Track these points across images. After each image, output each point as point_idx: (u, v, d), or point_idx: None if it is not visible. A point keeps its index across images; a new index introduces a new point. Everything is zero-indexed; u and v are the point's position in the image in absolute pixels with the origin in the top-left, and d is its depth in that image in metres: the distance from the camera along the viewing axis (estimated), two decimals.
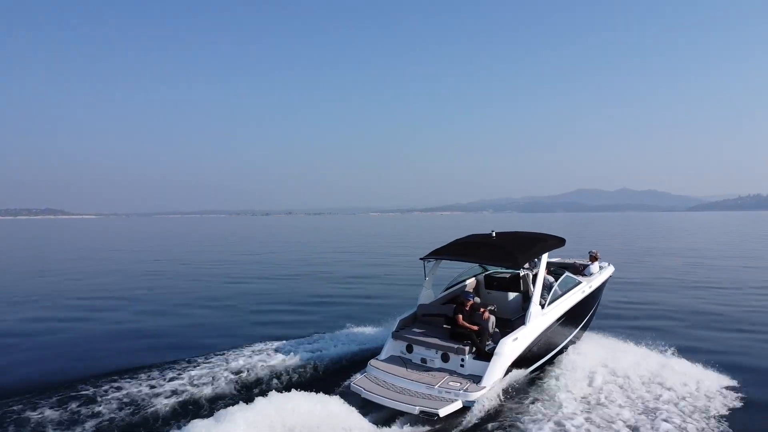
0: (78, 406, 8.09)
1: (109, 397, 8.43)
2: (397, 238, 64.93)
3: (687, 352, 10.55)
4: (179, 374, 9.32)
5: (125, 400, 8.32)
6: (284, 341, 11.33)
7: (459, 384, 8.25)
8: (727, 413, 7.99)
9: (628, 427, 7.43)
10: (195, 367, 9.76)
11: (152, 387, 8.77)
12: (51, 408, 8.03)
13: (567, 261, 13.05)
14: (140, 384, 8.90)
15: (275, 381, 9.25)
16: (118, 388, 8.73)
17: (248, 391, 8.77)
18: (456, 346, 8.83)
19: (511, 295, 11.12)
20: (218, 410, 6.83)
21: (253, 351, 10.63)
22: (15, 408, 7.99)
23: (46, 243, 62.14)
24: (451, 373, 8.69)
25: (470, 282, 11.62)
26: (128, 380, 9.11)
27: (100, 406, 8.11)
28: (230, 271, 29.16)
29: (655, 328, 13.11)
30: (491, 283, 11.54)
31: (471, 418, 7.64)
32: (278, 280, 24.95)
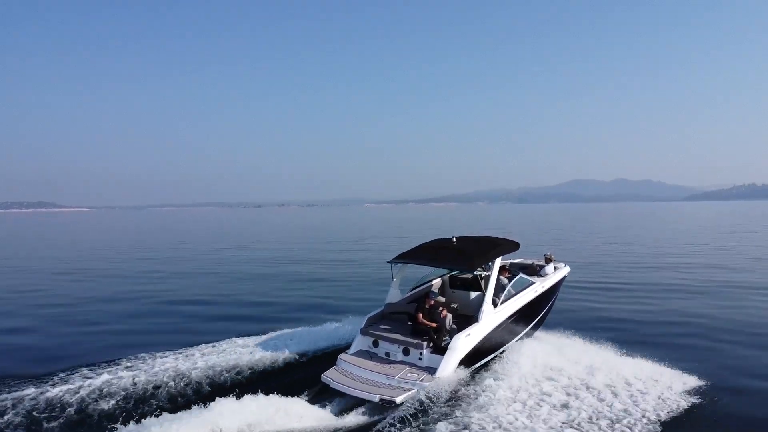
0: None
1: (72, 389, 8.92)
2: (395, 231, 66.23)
3: (636, 350, 11.07)
4: (123, 374, 9.49)
5: (76, 397, 8.65)
6: (254, 337, 12.10)
7: (416, 375, 9.33)
8: (664, 414, 8.25)
9: (561, 422, 7.88)
10: (145, 365, 10.10)
11: (106, 385, 9.03)
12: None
13: (527, 261, 14.12)
14: (92, 383, 9.13)
15: (243, 377, 9.81)
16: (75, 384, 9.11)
17: (214, 389, 9.20)
18: (415, 341, 9.90)
19: (473, 294, 12.18)
20: (181, 410, 7.63)
21: (220, 348, 11.19)
22: None
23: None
24: (411, 365, 9.76)
25: (436, 282, 12.66)
26: (82, 378, 9.44)
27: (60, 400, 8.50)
28: (196, 264, 31.03)
29: (608, 326, 14.14)
30: (455, 282, 12.60)
31: (421, 405, 8.35)
32: (252, 275, 26.50)
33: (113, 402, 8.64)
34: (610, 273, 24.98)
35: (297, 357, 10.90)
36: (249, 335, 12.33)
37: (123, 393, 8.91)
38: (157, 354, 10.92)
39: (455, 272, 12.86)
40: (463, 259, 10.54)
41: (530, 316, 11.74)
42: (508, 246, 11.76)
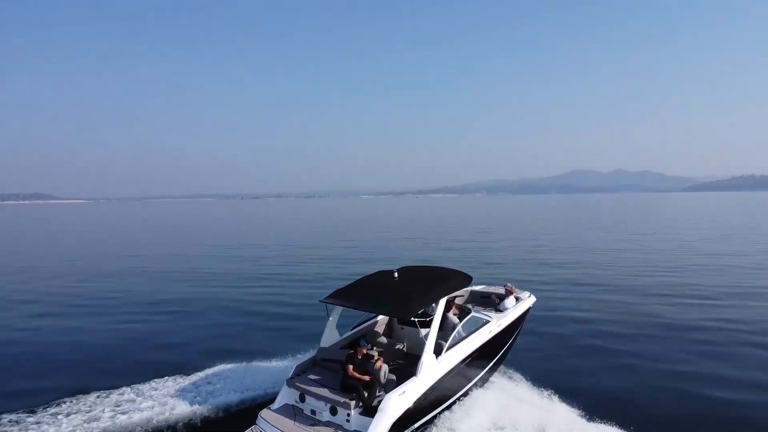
0: None
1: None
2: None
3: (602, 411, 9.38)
4: None
5: None
6: (168, 379, 10.62)
7: None
8: None
9: None
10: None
11: None
12: None
13: (489, 290, 12.67)
14: None
15: None
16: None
17: None
18: (342, 399, 8.50)
19: (424, 332, 10.76)
20: None
21: (116, 397, 9.63)
22: None
23: None
24: (337, 428, 8.39)
25: (382, 318, 11.27)
26: None
27: None
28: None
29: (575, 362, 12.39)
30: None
31: None
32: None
33: None
34: (591, 297, 19.83)
35: (215, 411, 9.53)
36: (159, 377, 10.72)
37: None
38: (38, 407, 9.25)
39: None
40: (399, 303, 9.05)
41: (484, 361, 10.32)
42: (456, 282, 10.30)
